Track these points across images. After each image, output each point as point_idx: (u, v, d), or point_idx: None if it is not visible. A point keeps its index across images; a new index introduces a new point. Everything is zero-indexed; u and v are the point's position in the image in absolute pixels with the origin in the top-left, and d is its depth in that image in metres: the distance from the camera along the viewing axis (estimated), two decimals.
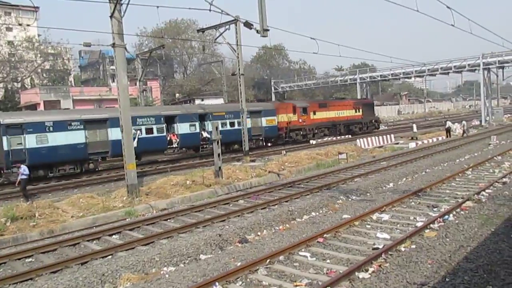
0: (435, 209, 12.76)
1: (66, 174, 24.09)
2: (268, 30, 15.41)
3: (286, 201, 15.50)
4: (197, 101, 54.54)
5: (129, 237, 12.35)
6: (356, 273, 8.06)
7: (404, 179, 18.63)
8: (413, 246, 9.40)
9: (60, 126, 23.75)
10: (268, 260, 8.98)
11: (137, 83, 36.99)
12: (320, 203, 14.56)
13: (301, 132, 39.40)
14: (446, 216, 11.57)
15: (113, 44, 17.15)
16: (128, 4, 16.92)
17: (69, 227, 14.10)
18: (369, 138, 34.34)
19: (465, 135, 36.97)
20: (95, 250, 11.10)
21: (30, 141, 22.53)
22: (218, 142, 20.48)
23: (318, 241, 10.24)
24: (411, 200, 14.14)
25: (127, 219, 14.70)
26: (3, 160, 21.79)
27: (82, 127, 24.60)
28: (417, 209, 13.02)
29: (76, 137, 24.27)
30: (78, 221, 14.68)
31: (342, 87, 75.14)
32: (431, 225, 10.88)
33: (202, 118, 31.60)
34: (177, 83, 70.83)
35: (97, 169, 25.85)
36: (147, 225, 13.52)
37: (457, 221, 11.13)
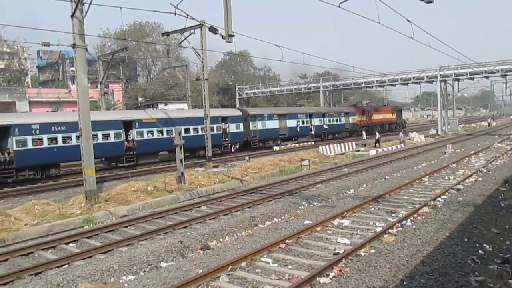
0: (393, 215, 13.12)
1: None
2: (233, 36, 15.44)
3: (249, 207, 15.49)
4: (160, 106, 53.77)
5: (86, 245, 11.95)
6: (317, 278, 8.14)
7: (364, 185, 19.04)
8: (373, 251, 9.61)
9: (270, 117, 41.09)
10: (230, 267, 8.92)
11: (98, 85, 36.04)
12: (283, 209, 14.65)
13: (366, 128, 52.99)
14: (404, 221, 11.91)
15: (74, 44, 16.64)
16: (90, 4, 16.50)
17: (23, 236, 13.43)
18: (331, 145, 34.93)
19: (402, 145, 37.36)
20: (50, 259, 10.66)
21: (259, 125, 39.34)
22: (181, 147, 20.23)
23: (280, 247, 10.28)
24: (370, 206, 14.46)
25: (85, 227, 14.21)
26: (249, 136, 38.20)
27: (277, 118, 41.65)
28: (377, 215, 13.33)
29: (275, 124, 41.24)
30: (32, 229, 14.05)
31: (305, 94, 76.20)
32: (390, 230, 11.16)
33: (323, 115, 48.90)
34: (140, 86, 69.51)
35: (280, 145, 40.81)
36: (106, 232, 13.13)
37: (414, 226, 11.48)
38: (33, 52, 75.22)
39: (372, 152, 33.13)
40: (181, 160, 20.18)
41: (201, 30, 25.83)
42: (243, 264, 9.22)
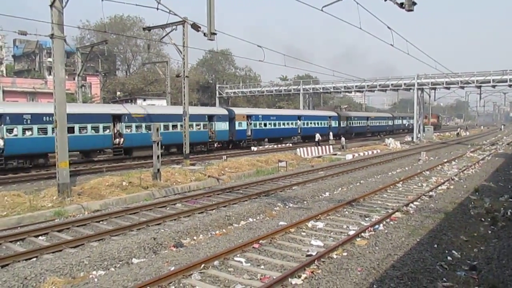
0: (366, 219, 13.30)
1: None
2: (215, 34, 15.35)
3: (224, 206, 15.47)
4: (139, 101, 53.15)
5: (57, 239, 11.73)
6: (289, 279, 8.18)
7: (340, 189, 19.24)
8: (345, 254, 9.71)
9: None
10: (202, 265, 8.88)
11: (76, 77, 35.36)
12: (258, 209, 14.67)
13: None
14: (377, 226, 12.08)
15: (52, 35, 16.31)
16: None
17: None
18: (308, 148, 35.17)
19: (343, 149, 39.45)
20: (18, 251, 10.42)
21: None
22: (158, 144, 20.04)
23: (253, 247, 10.29)
24: (345, 209, 14.63)
25: (56, 220, 13.93)
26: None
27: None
28: (350, 218, 13.50)
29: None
30: (0, 220, 13.68)
31: (285, 96, 76.60)
32: (363, 234, 11.31)
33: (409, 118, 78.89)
34: (118, 80, 68.48)
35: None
36: (77, 226, 12.91)
37: (386, 231, 11.65)
38: (9, 40, 73.44)
39: (349, 156, 33.53)
40: (158, 156, 20.00)
41: (183, 26, 25.62)
42: (216, 262, 9.19)
